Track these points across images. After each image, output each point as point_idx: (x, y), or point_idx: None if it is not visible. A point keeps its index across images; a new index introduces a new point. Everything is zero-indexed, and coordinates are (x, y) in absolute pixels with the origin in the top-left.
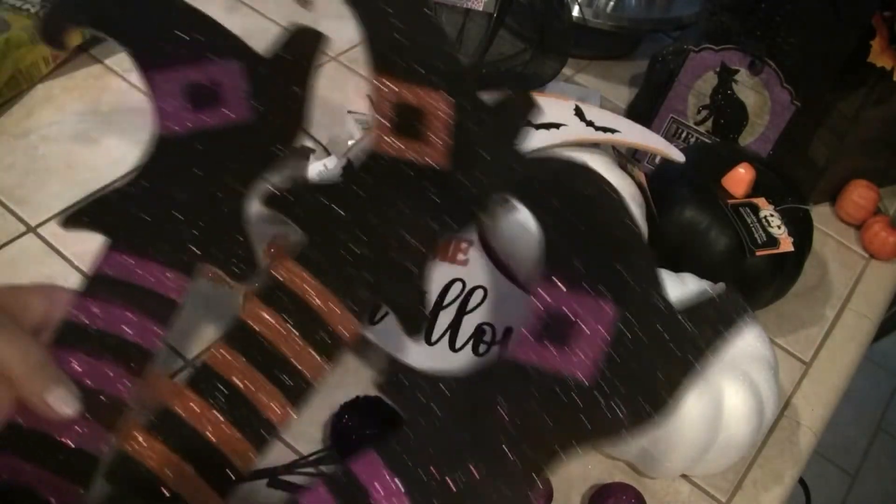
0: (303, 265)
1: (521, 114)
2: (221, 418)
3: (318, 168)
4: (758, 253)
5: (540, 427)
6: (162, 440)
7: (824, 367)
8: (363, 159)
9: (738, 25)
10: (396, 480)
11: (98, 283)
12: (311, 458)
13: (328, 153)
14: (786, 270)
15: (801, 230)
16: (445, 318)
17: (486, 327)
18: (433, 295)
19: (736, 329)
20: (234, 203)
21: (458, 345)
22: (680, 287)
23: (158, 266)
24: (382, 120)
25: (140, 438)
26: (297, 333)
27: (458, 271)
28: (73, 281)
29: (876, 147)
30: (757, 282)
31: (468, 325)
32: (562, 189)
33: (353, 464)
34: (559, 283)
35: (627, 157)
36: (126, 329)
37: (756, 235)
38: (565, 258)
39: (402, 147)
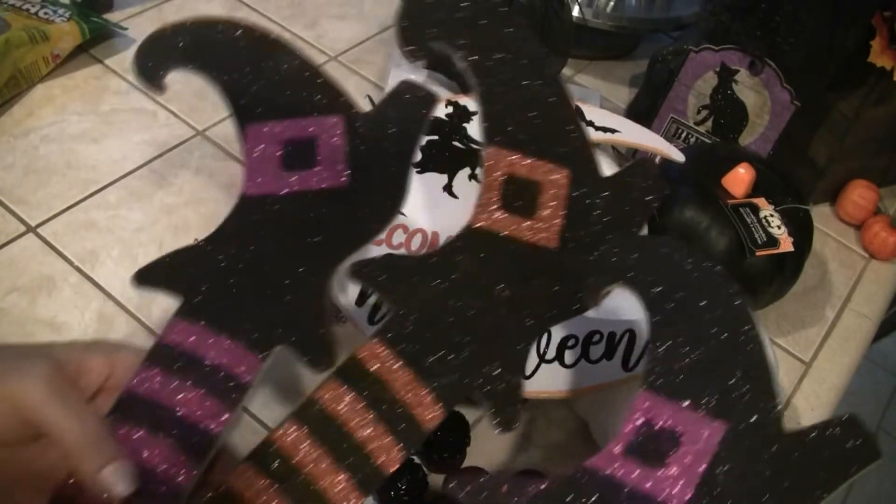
0: (389, 344)
1: (644, 191)
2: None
3: None
4: (758, 253)
5: None
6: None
7: (824, 367)
8: (462, 234)
9: (738, 25)
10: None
11: (164, 353)
12: None
13: None
14: (786, 270)
15: (801, 230)
16: None
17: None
18: None
19: (852, 473)
20: (319, 283)
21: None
22: None
23: (232, 343)
24: (491, 192)
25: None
26: (375, 418)
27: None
28: (73, 281)
29: (876, 147)
30: (757, 282)
31: None
32: (674, 288)
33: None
34: (664, 395)
35: (627, 157)
36: (192, 409)
37: (756, 235)
38: (673, 368)
39: (511, 223)
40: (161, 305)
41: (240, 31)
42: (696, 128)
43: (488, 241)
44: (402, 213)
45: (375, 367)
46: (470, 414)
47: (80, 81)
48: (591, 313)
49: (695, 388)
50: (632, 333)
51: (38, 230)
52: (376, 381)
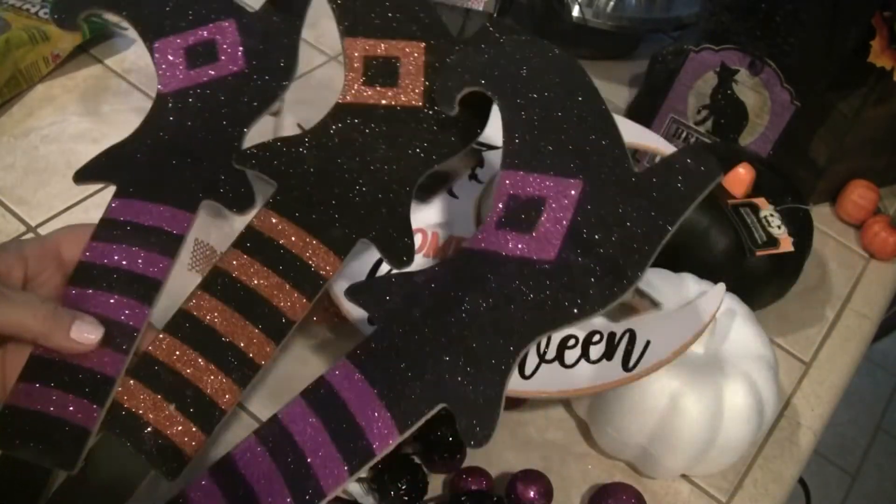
0: (275, 211)
1: (491, 37)
2: (202, 361)
3: None
4: (758, 253)
5: (507, 313)
6: (146, 385)
7: (824, 367)
8: (331, 111)
9: (738, 25)
10: (370, 385)
11: (108, 227)
12: None
13: None
14: (786, 270)
15: (801, 230)
16: None
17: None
18: None
19: (703, 185)
20: (233, 143)
21: None
22: (679, 287)
23: (165, 207)
24: (352, 72)
25: (126, 384)
26: (275, 274)
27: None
28: None
29: (876, 147)
30: (757, 282)
31: None
32: (522, 75)
33: (327, 374)
34: (521, 170)
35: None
36: (136, 264)
37: (756, 235)
38: (527, 144)
39: (375, 94)
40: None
41: None
42: (696, 128)
43: (357, 110)
44: None
45: (269, 231)
46: None
47: (80, 81)
48: None
49: (550, 157)
50: (632, 333)
51: (39, 230)
52: (272, 244)
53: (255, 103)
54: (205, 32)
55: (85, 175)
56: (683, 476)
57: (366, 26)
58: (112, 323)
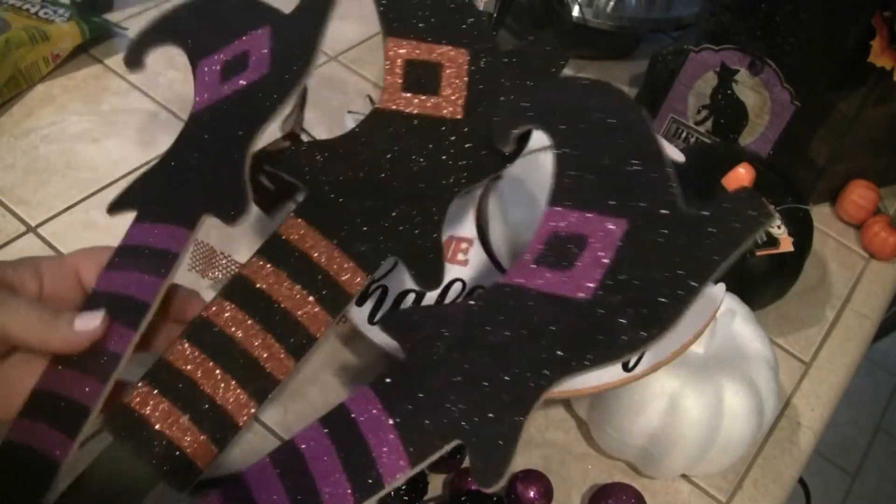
0: (304, 219)
1: (549, 57)
2: (219, 372)
3: None
4: (758, 253)
5: (534, 351)
6: (160, 392)
7: (824, 367)
8: (368, 116)
9: (738, 25)
10: (388, 415)
11: (120, 254)
12: None
13: None
14: (786, 270)
15: (801, 230)
16: None
17: None
18: (434, 294)
19: (752, 229)
20: (238, 151)
21: None
22: None
23: (164, 226)
24: (393, 76)
25: (139, 390)
26: (300, 287)
27: (458, 271)
28: None
29: (876, 147)
30: (757, 282)
31: None
32: (574, 111)
33: (348, 401)
34: (567, 208)
35: None
36: (130, 289)
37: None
38: (573, 181)
39: (415, 101)
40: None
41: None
42: (696, 128)
43: (395, 118)
44: None
45: (296, 241)
46: None
47: (80, 81)
48: None
49: (598, 195)
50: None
51: (39, 230)
52: (298, 255)
53: (267, 105)
54: (240, 44)
55: (117, 207)
56: (683, 476)
57: (410, 27)
58: (99, 351)
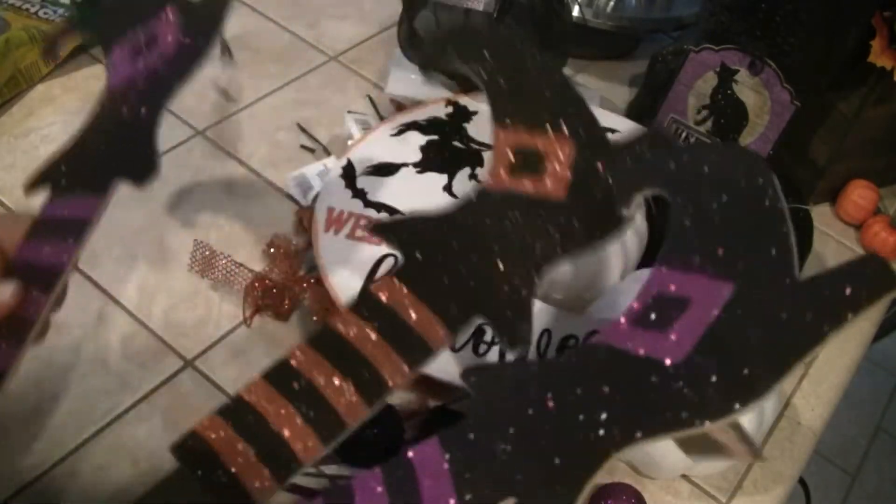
0: (399, 279)
1: (646, 143)
2: (293, 411)
3: (318, 168)
4: None
5: (610, 410)
6: (230, 424)
7: (824, 367)
8: (472, 196)
9: (738, 25)
10: (449, 469)
11: (34, 228)
12: None
13: (328, 153)
14: None
15: (801, 230)
16: None
17: (486, 327)
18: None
19: (866, 303)
20: (148, 119)
21: (458, 345)
22: None
23: (76, 198)
24: (498, 160)
25: (209, 421)
26: (382, 338)
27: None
28: (73, 281)
29: (876, 147)
30: None
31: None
32: (699, 176)
33: (413, 451)
34: (673, 269)
35: None
36: (43, 257)
37: None
38: (688, 244)
39: (518, 182)
40: (161, 306)
41: None
42: (696, 128)
43: (498, 196)
44: (400, 213)
45: (389, 299)
46: None
47: (80, 81)
48: (591, 313)
49: (708, 258)
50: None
51: None
52: (389, 312)
53: (175, 75)
54: (150, 26)
55: (30, 187)
56: (683, 476)
57: (518, 116)
58: (13, 317)
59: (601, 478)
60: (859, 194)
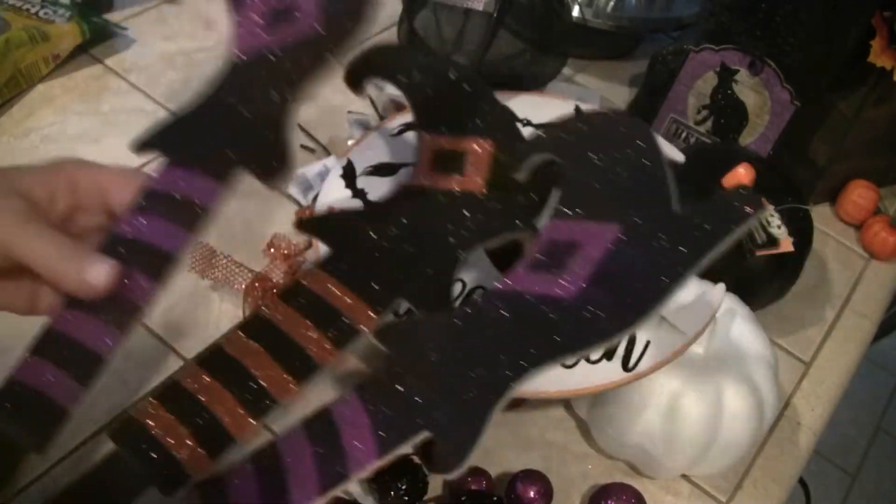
0: (324, 270)
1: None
2: (228, 393)
3: (318, 168)
4: (758, 253)
5: (514, 347)
6: (168, 408)
7: (824, 367)
8: (394, 192)
9: (738, 25)
10: (367, 416)
11: (146, 198)
12: None
13: (328, 153)
14: (786, 270)
15: (801, 230)
16: None
17: None
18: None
19: (740, 220)
20: (284, 111)
21: None
22: None
23: (195, 175)
24: (425, 161)
25: (148, 405)
26: (312, 323)
27: (459, 272)
28: None
29: (876, 147)
30: (757, 282)
31: None
32: (584, 137)
33: (333, 405)
34: (563, 220)
35: None
36: (157, 238)
37: (756, 235)
38: (576, 197)
39: (440, 180)
40: (160, 306)
41: None
42: (696, 128)
43: (420, 193)
44: None
45: (317, 288)
46: None
47: (80, 81)
48: None
49: (595, 206)
50: (632, 334)
51: None
52: (316, 298)
53: (315, 65)
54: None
55: (141, 147)
56: (683, 476)
57: (440, 124)
58: (119, 300)
59: (601, 478)
60: (859, 194)
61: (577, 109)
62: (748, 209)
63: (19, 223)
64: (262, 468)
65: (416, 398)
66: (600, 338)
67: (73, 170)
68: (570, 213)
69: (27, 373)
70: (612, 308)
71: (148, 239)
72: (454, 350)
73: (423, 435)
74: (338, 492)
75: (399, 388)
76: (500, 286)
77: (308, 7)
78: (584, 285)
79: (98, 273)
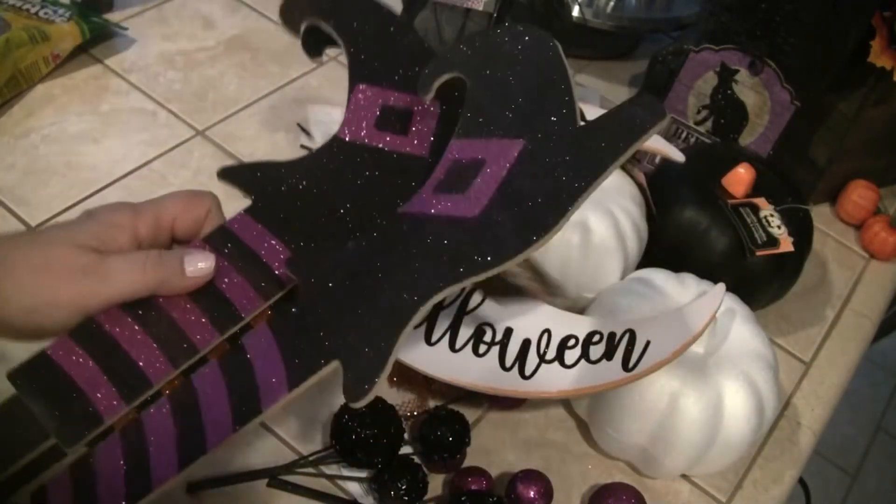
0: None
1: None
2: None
3: None
4: (758, 253)
5: (419, 269)
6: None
7: (824, 367)
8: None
9: (738, 25)
10: (278, 350)
11: (223, 237)
12: (311, 458)
13: None
14: (786, 270)
15: (801, 230)
16: (445, 319)
17: (485, 328)
18: None
19: (643, 129)
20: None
21: (457, 345)
22: (679, 287)
23: (279, 245)
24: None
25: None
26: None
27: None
28: None
29: (876, 147)
30: (757, 282)
31: (468, 325)
32: (492, 56)
33: (245, 340)
34: (468, 138)
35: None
36: (229, 287)
37: (756, 235)
38: (481, 115)
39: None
40: None
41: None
42: (696, 128)
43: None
44: None
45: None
46: (470, 414)
47: (80, 81)
48: (591, 313)
49: (499, 123)
50: (632, 333)
51: (38, 230)
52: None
53: (411, 185)
54: (409, 98)
55: (228, 175)
56: (683, 476)
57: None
58: (181, 335)
59: (601, 478)
60: (859, 194)
61: (484, 30)
62: (651, 119)
63: (87, 277)
64: (177, 406)
65: (324, 326)
66: (504, 257)
67: (133, 210)
68: (473, 130)
69: (76, 371)
70: (515, 227)
71: (223, 288)
72: (360, 276)
73: (333, 364)
74: (253, 426)
75: (308, 316)
76: (405, 208)
77: (422, 122)
78: (487, 204)
79: (196, 262)
